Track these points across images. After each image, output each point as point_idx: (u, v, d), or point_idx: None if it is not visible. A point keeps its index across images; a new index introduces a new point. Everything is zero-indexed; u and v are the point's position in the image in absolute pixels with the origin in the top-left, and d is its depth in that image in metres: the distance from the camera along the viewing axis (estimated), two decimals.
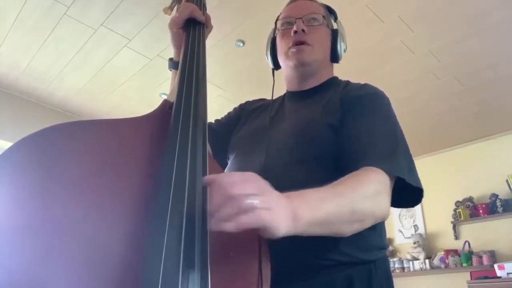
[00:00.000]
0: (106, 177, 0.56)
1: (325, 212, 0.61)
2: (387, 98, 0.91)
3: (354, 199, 0.66)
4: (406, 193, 0.80)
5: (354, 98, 0.90)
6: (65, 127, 0.58)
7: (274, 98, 1.07)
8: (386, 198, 0.74)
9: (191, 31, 0.91)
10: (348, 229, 0.69)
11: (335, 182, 0.68)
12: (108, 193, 0.55)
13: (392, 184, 0.76)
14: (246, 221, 0.48)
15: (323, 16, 1.02)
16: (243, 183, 0.50)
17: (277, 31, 1.06)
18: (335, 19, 1.07)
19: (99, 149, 0.59)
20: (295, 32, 0.97)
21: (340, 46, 1.03)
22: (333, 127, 0.86)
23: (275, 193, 0.54)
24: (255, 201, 0.48)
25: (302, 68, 0.99)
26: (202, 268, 0.48)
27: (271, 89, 1.05)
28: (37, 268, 0.46)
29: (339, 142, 0.83)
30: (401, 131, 0.87)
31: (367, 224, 0.72)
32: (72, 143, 0.57)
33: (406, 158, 0.81)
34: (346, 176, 0.71)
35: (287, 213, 0.54)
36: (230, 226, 0.47)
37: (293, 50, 0.97)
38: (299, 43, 0.97)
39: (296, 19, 0.99)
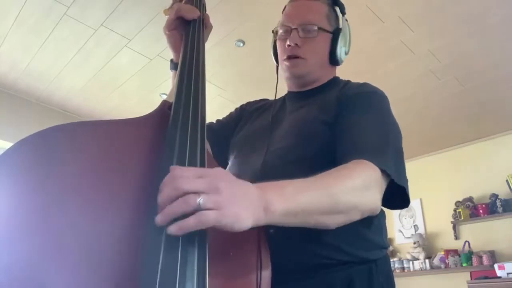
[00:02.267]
0: (105, 178, 0.56)
1: (301, 203, 0.60)
2: (386, 97, 0.91)
3: (337, 191, 0.65)
4: (394, 194, 0.78)
5: (351, 96, 0.90)
6: (64, 128, 0.58)
7: (275, 98, 1.07)
8: (375, 191, 0.72)
9: (190, 31, 0.91)
10: (331, 221, 0.67)
11: (321, 174, 0.67)
12: (107, 194, 0.55)
13: (384, 179, 0.74)
14: (188, 225, 0.47)
15: (319, 28, 0.97)
16: (196, 178, 0.49)
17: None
18: (342, 12, 1.03)
19: (99, 150, 0.59)
20: (289, 45, 0.96)
21: (340, 50, 1.00)
22: (328, 124, 0.86)
23: (236, 188, 0.53)
24: (201, 201, 0.47)
25: (297, 80, 1.00)
26: (200, 269, 0.48)
27: (272, 88, 1.05)
28: (35, 269, 0.46)
29: (334, 139, 0.83)
30: (396, 130, 0.86)
31: (354, 217, 0.70)
32: (71, 144, 0.57)
33: (395, 155, 0.80)
34: (335, 168, 0.70)
35: (253, 205, 0.53)
36: (173, 230, 0.47)
37: (287, 63, 0.97)
38: (292, 57, 0.97)
39: (292, 29, 0.97)
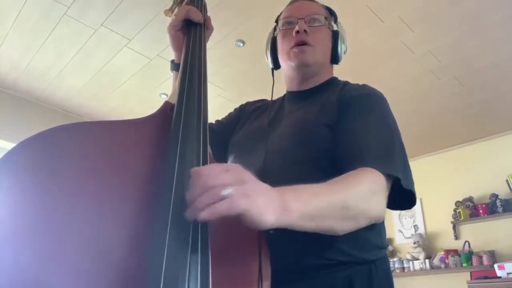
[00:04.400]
0: (108, 180, 0.56)
1: (317, 206, 0.61)
2: (385, 99, 0.91)
3: (347, 197, 0.66)
4: (400, 196, 0.79)
5: (351, 98, 0.90)
6: (66, 128, 0.58)
7: (274, 98, 1.07)
8: (382, 198, 0.74)
9: (192, 33, 0.91)
10: (341, 227, 0.68)
11: (330, 180, 0.68)
12: (110, 195, 0.55)
13: (389, 185, 0.75)
14: (220, 208, 0.47)
15: (325, 17, 1.02)
16: (222, 173, 0.50)
17: (278, 31, 1.06)
18: (335, 20, 1.07)
19: (101, 151, 0.59)
20: (297, 32, 0.97)
21: (341, 48, 1.03)
22: (329, 127, 0.86)
23: (260, 184, 0.54)
24: (230, 190, 0.48)
25: (304, 69, 0.99)
26: (203, 270, 0.48)
27: (271, 89, 1.05)
28: (38, 270, 0.46)
29: (335, 142, 0.83)
30: (398, 132, 0.86)
31: (362, 223, 0.71)
32: (74, 145, 0.57)
33: (401, 159, 0.81)
34: (342, 175, 0.71)
35: (273, 203, 0.54)
36: (204, 214, 0.47)
37: (295, 50, 0.97)
38: (301, 44, 0.97)
39: (298, 19, 0.99)
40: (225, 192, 0.48)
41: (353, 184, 0.69)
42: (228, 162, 1.00)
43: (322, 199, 0.62)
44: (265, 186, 0.55)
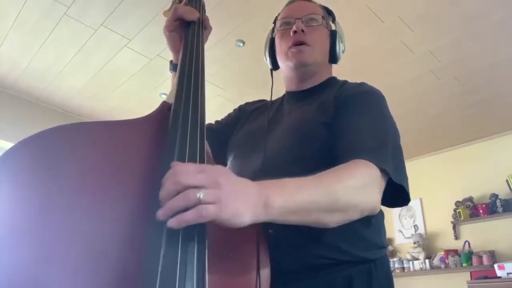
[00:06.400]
0: (105, 180, 0.56)
1: (301, 200, 0.60)
2: (383, 97, 0.91)
3: (336, 189, 0.65)
4: (394, 192, 0.79)
5: (348, 96, 0.90)
6: (65, 129, 0.59)
7: (273, 99, 1.07)
8: (375, 190, 0.73)
9: (189, 32, 0.91)
10: (330, 219, 0.67)
11: (321, 173, 0.67)
12: (107, 195, 0.55)
13: (384, 178, 0.75)
14: (187, 218, 0.47)
15: (322, 17, 1.02)
16: (196, 173, 0.50)
17: (276, 31, 1.06)
18: (333, 20, 1.08)
19: (100, 151, 0.59)
20: (295, 32, 0.97)
21: (339, 47, 1.03)
22: (327, 125, 0.86)
23: (237, 184, 0.54)
24: (202, 194, 0.48)
25: (302, 69, 1.00)
26: (200, 269, 0.48)
27: (270, 89, 1.05)
28: (36, 270, 0.46)
29: (333, 139, 0.83)
30: (394, 130, 0.86)
31: (352, 215, 0.70)
32: (72, 145, 0.58)
33: (394, 155, 0.80)
34: (334, 168, 0.70)
35: (251, 202, 0.53)
36: (171, 223, 0.47)
37: (293, 50, 0.97)
38: (298, 43, 0.97)
39: (296, 19, 0.99)
40: (197, 195, 0.48)
41: (343, 176, 0.68)
42: (228, 162, 1.00)
43: (307, 192, 0.62)
44: (244, 184, 0.55)
